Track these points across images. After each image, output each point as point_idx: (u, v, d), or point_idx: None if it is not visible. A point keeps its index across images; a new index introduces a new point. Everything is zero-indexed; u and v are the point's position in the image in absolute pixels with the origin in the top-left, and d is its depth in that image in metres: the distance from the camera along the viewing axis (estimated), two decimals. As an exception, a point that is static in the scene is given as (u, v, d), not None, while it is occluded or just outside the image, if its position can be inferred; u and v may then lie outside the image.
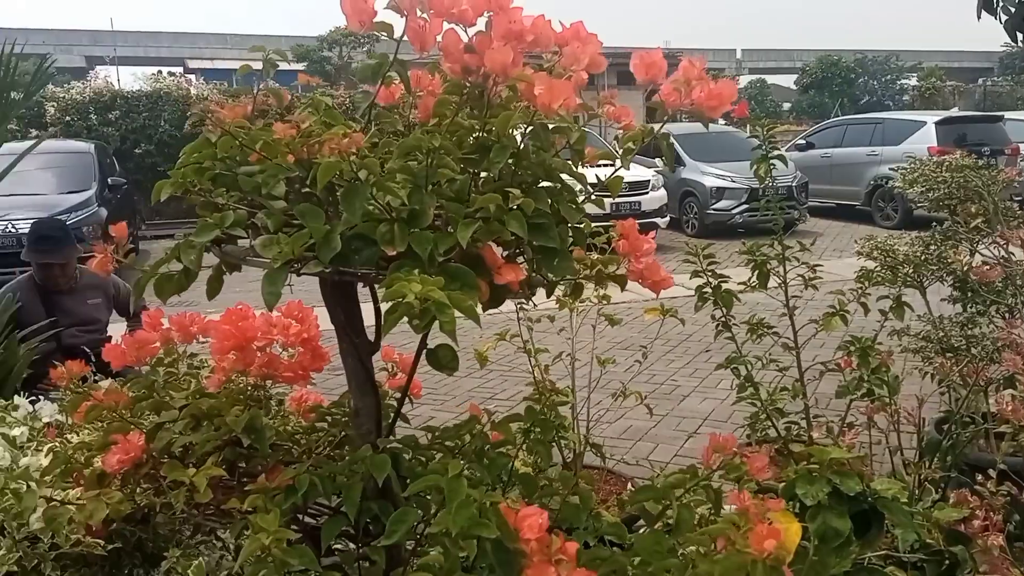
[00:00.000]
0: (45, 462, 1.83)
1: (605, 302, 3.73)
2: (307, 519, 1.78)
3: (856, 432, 2.97)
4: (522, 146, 1.23)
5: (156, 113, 16.76)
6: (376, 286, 1.24)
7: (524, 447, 1.62)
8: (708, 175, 13.38)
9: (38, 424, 2.00)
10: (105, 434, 1.68)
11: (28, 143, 7.93)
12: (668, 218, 12.82)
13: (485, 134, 1.34)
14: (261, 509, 1.36)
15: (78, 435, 1.89)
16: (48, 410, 1.99)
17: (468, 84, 1.29)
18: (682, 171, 13.53)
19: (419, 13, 1.23)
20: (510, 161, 1.28)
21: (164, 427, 1.67)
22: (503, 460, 1.33)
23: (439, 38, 1.24)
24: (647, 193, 12.28)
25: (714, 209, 13.30)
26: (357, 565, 1.47)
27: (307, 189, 1.31)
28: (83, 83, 17.78)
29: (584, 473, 1.85)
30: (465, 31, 1.27)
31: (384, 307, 1.62)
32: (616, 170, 1.37)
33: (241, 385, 2.00)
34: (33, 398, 2.15)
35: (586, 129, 1.45)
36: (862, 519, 1.64)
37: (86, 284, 4.85)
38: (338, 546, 1.87)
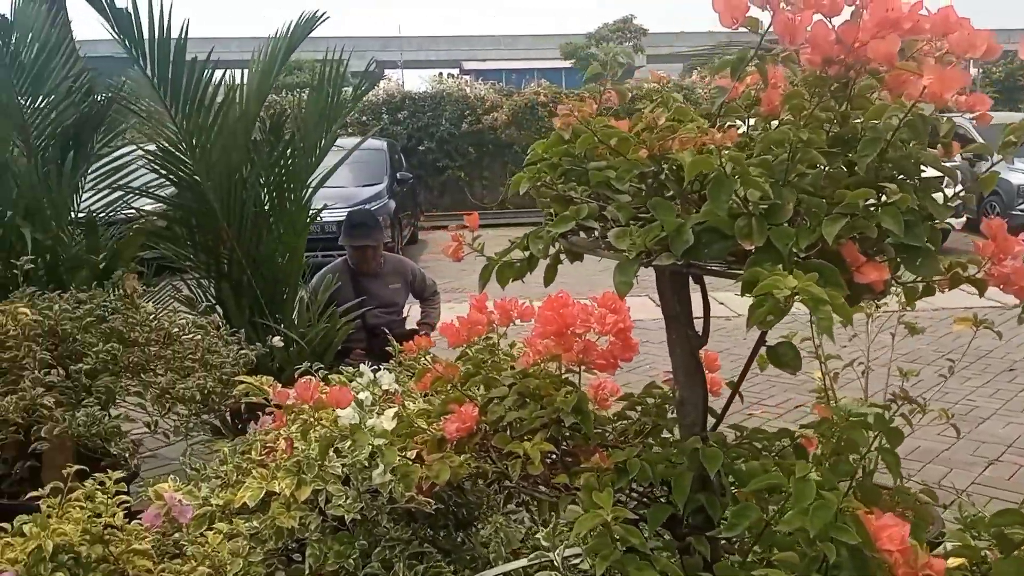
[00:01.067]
0: (385, 424, 2.06)
1: (908, 309, 3.45)
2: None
3: None
4: (890, 138, 1.18)
5: (438, 113, 18.03)
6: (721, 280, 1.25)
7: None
8: (1016, 171, 11.87)
9: (377, 391, 2.26)
10: (443, 403, 1.86)
11: (352, 139, 8.95)
12: (965, 219, 11.57)
13: (838, 127, 1.30)
14: (593, 487, 1.43)
15: (413, 403, 2.10)
16: (387, 379, 2.24)
17: (827, 76, 1.26)
18: (983, 167, 12.12)
19: (786, 7, 1.22)
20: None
21: (494, 402, 1.81)
22: (847, 467, 1.29)
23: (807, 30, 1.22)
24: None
25: (1020, 210, 11.80)
26: (679, 556, 1.50)
27: (649, 183, 1.35)
28: (377, 86, 19.55)
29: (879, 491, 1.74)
30: (830, 22, 1.24)
31: (713, 300, 1.63)
32: (992, 165, 1.27)
33: (548, 368, 2.11)
34: (376, 367, 2.43)
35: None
36: None
37: (389, 270, 5.36)
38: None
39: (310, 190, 4.12)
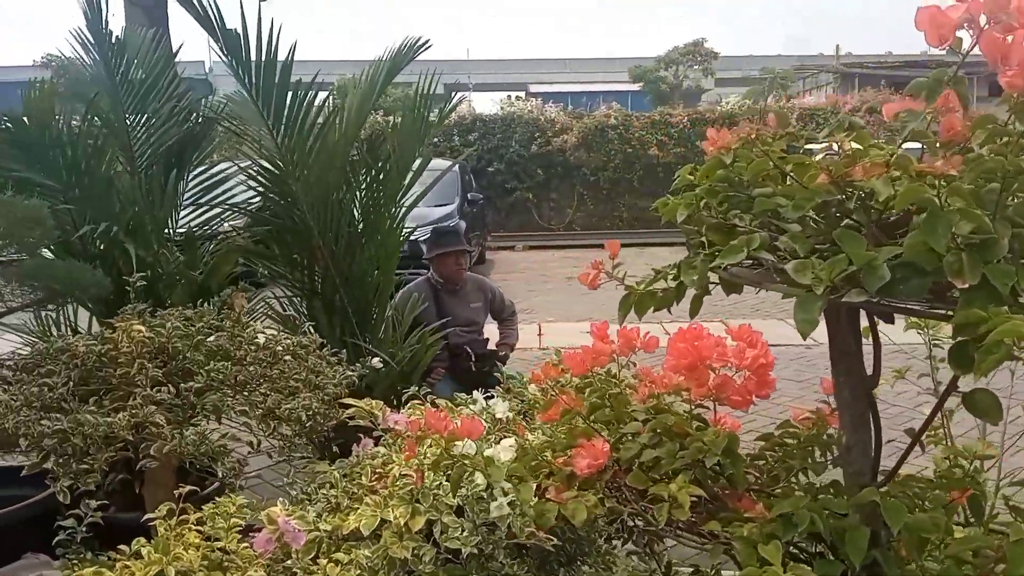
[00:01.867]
0: (503, 455, 1.99)
1: (1036, 347, 3.24)
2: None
3: None
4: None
5: (508, 135, 18.11)
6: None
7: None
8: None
9: (490, 418, 2.19)
10: (570, 436, 1.77)
11: (444, 161, 9.11)
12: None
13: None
14: (757, 538, 1.33)
15: (531, 433, 2.02)
16: (500, 407, 2.17)
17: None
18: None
19: (989, 26, 1.12)
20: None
21: (627, 438, 1.72)
22: (1057, 529, 1.16)
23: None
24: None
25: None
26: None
27: (832, 212, 1.25)
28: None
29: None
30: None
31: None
32: None
33: (672, 401, 2.01)
34: (488, 394, 2.36)
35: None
36: None
37: (470, 288, 5.32)
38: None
39: (403, 210, 4.11)
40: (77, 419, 2.32)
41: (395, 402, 4.30)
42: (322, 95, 3.85)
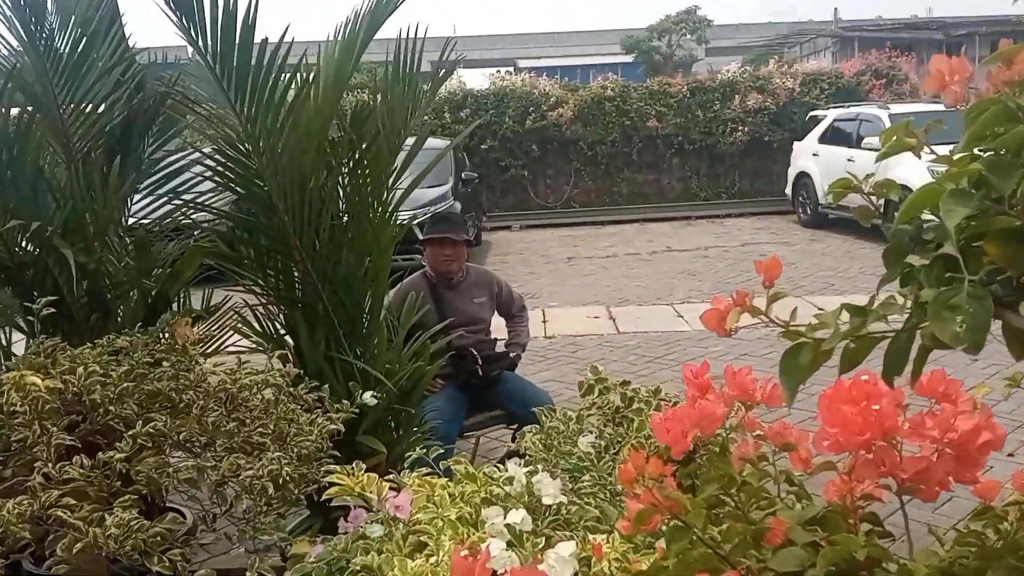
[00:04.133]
0: (561, 572, 1.33)
1: None
2: None
3: None
4: None
5: (501, 111, 17.33)
6: None
7: None
8: None
9: (532, 502, 1.51)
10: (680, 565, 1.11)
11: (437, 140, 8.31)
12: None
13: None
14: None
15: (610, 541, 1.35)
16: (550, 488, 1.49)
17: None
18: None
19: None
20: None
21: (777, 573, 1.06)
22: None
23: None
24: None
25: None
26: None
27: None
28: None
29: None
30: None
31: None
32: None
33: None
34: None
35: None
36: None
37: (472, 282, 4.64)
38: None
39: (397, 196, 3.40)
40: (-52, 511, 1.64)
41: (393, 425, 3.65)
42: (292, 60, 3.13)
